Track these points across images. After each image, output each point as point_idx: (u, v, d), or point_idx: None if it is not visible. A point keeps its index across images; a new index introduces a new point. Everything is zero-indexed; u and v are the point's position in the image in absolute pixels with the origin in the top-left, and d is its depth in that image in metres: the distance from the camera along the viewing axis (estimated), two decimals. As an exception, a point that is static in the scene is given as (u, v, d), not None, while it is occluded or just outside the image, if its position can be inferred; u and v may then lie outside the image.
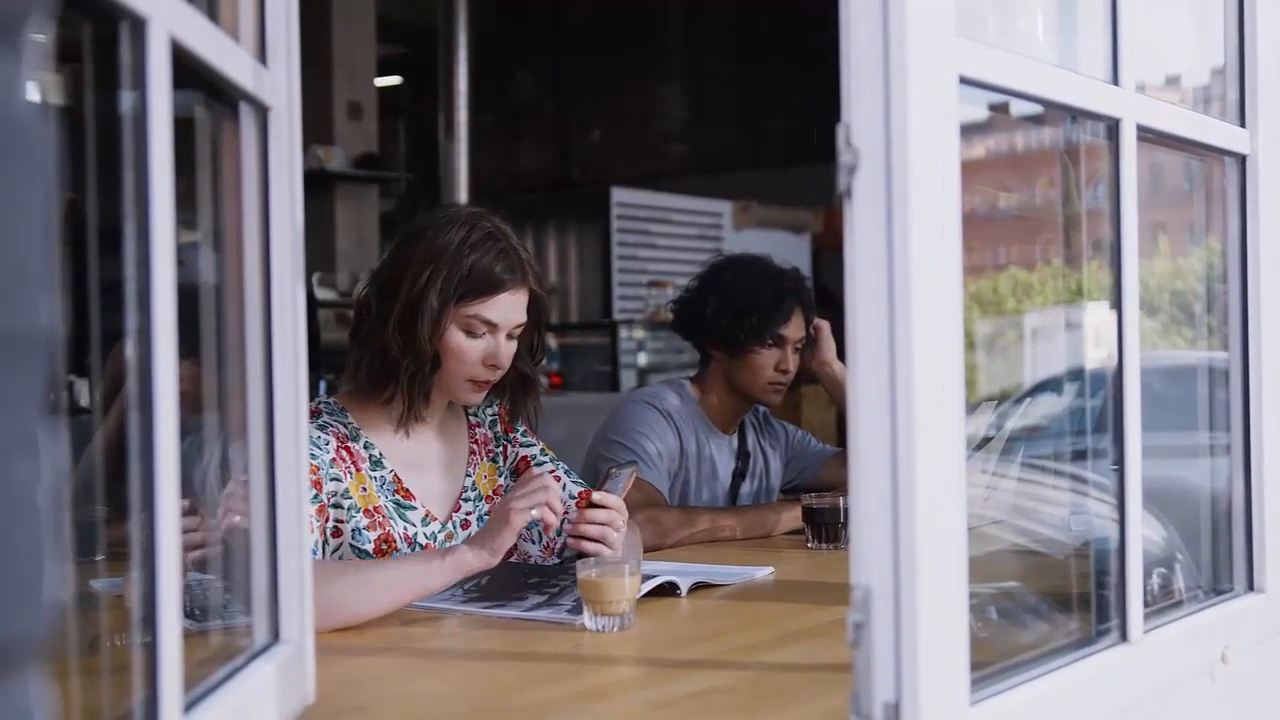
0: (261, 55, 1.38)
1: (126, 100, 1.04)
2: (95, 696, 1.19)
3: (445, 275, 2.20)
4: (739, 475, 3.17)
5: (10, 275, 0.58)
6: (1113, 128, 1.55)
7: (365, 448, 2.26)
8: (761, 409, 3.25)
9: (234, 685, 1.24)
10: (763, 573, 2.38)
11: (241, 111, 1.36)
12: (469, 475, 2.39)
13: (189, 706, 1.10)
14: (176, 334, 1.05)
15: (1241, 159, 1.83)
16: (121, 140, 1.05)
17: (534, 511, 2.00)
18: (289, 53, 1.42)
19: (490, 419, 2.47)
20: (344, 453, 2.21)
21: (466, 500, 2.37)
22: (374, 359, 2.24)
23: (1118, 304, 1.55)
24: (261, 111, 1.37)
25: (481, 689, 1.67)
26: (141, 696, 1.03)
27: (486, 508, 2.38)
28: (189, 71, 1.14)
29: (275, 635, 1.40)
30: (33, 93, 0.61)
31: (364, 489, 2.22)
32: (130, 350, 1.04)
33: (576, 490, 2.43)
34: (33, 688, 0.59)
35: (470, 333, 2.23)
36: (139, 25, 1.02)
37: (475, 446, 2.42)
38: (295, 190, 1.42)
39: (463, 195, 8.99)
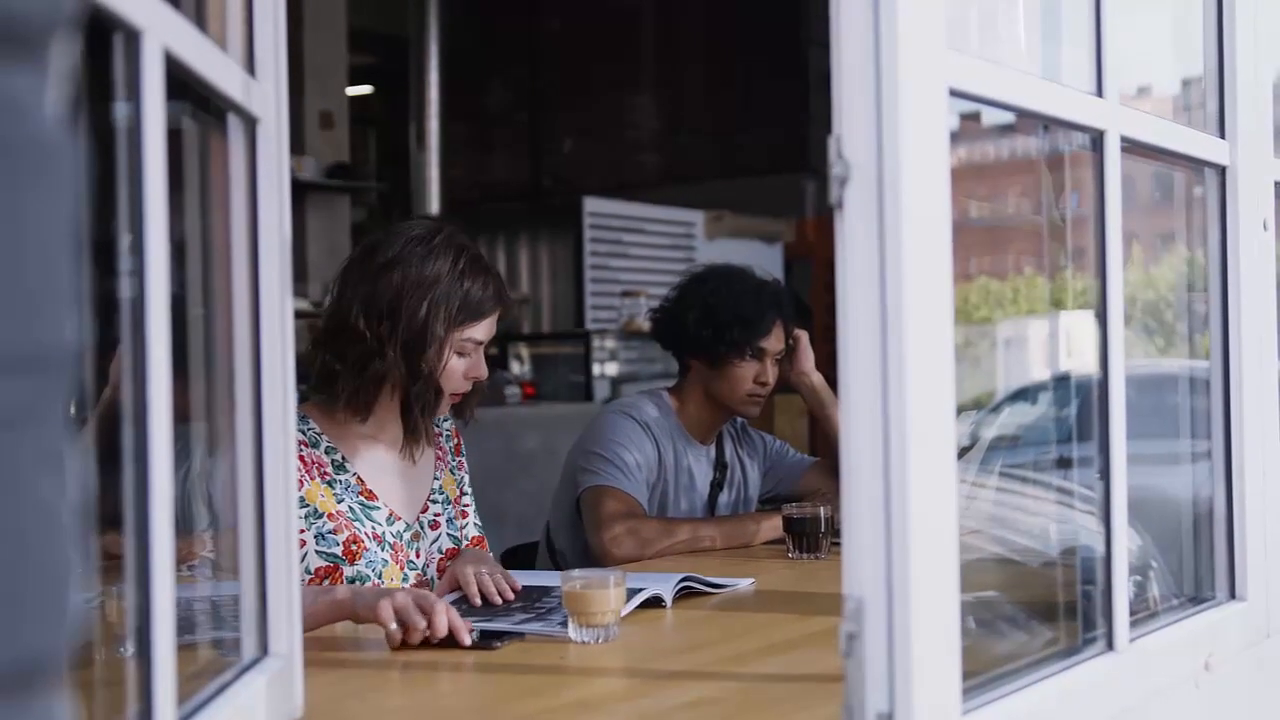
0: (250, 67, 1.37)
1: (120, 111, 1.04)
2: (85, 711, 1.18)
3: (446, 305, 2.27)
4: (717, 486, 3.17)
5: (35, 290, 0.58)
6: (1097, 139, 1.55)
7: (327, 453, 2.31)
8: (739, 419, 3.25)
9: (225, 699, 1.23)
10: (744, 583, 2.39)
11: (230, 123, 1.35)
12: (436, 479, 2.46)
13: (182, 721, 1.10)
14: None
15: (1221, 170, 1.85)
16: (113, 151, 1.04)
17: (393, 626, 1.86)
18: (277, 65, 1.41)
19: (446, 433, 2.54)
20: (297, 461, 2.22)
21: (435, 501, 2.45)
22: (372, 384, 2.29)
23: (1102, 314, 1.56)
24: (250, 123, 1.37)
25: (469, 702, 1.66)
26: (135, 710, 1.03)
27: (453, 511, 2.47)
28: (177, 82, 1.13)
29: (264, 649, 1.39)
30: (59, 107, 0.61)
31: (321, 495, 2.26)
32: (124, 363, 1.03)
33: (474, 533, 2.51)
34: (57, 705, 0.59)
35: (461, 354, 2.32)
36: (133, 37, 1.01)
37: (440, 452, 2.50)
38: (283, 202, 1.41)
39: (434, 205, 8.97)
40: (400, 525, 2.35)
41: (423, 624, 1.85)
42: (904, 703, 1.18)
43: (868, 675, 1.19)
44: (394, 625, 1.85)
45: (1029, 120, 1.64)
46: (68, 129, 0.62)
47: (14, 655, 0.56)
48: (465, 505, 2.54)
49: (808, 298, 7.86)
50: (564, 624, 1.93)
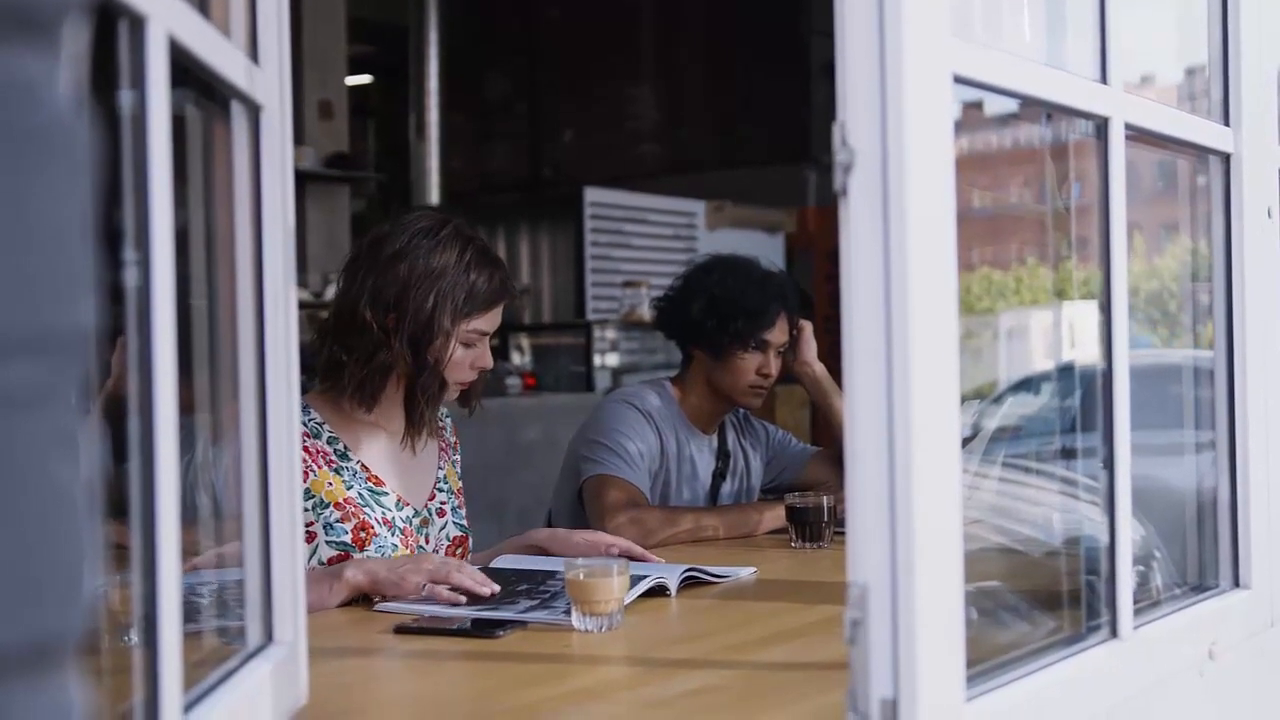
0: (253, 54, 1.37)
1: (124, 98, 1.03)
2: (90, 698, 1.17)
3: (453, 296, 2.28)
4: (719, 475, 3.18)
5: (50, 273, 0.58)
6: (1101, 126, 1.55)
7: (329, 442, 2.33)
8: (742, 409, 3.25)
9: (231, 686, 1.23)
10: (747, 572, 2.39)
11: (233, 110, 1.35)
12: (440, 469, 2.49)
13: (188, 707, 1.10)
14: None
15: (1225, 157, 1.85)
16: (118, 138, 1.04)
17: (426, 589, 2.08)
18: (280, 51, 1.41)
19: (447, 426, 2.57)
20: (303, 451, 2.24)
21: (440, 491, 2.47)
22: (379, 375, 2.31)
23: (1106, 303, 1.56)
24: (254, 110, 1.37)
25: (473, 690, 1.66)
26: (141, 697, 1.03)
27: (457, 501, 2.50)
28: (181, 69, 1.13)
29: (269, 636, 1.39)
30: (71, 89, 0.61)
31: (330, 484, 2.28)
32: (130, 351, 1.03)
33: (455, 533, 2.50)
34: (71, 685, 0.59)
35: (466, 345, 2.34)
36: (138, 23, 1.01)
37: (442, 444, 2.52)
38: (287, 190, 1.41)
39: (434, 196, 8.97)
40: (409, 511, 2.37)
41: (466, 582, 2.06)
42: (908, 689, 1.18)
43: (872, 661, 1.19)
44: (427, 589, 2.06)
45: (1032, 109, 1.64)
46: (81, 113, 0.62)
47: (29, 635, 0.57)
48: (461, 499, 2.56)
49: (809, 288, 7.87)
50: (567, 612, 1.93)
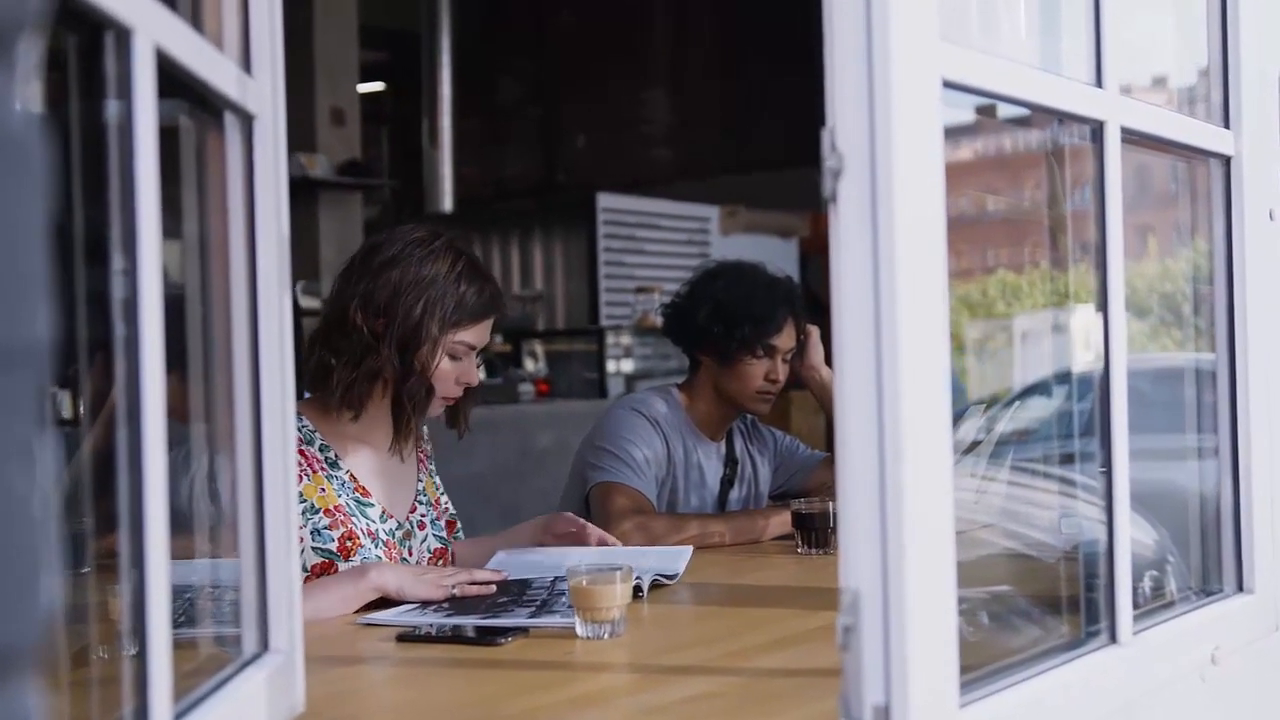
0: (246, 64, 1.37)
1: (111, 109, 1.04)
2: (84, 707, 1.18)
3: (441, 305, 2.31)
4: (727, 482, 3.17)
5: (7, 285, 0.58)
6: (1097, 130, 1.55)
7: (321, 450, 2.35)
8: (750, 415, 3.25)
9: (224, 695, 1.23)
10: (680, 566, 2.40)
11: (226, 120, 1.35)
12: (420, 481, 2.51)
13: (180, 715, 1.10)
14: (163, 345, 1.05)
15: (1226, 160, 1.84)
16: (106, 149, 1.05)
17: (456, 590, 2.18)
18: (274, 61, 1.41)
19: (425, 439, 2.60)
20: (298, 457, 2.25)
21: (421, 503, 2.49)
22: (366, 380, 2.32)
23: (1104, 306, 1.56)
24: (246, 120, 1.37)
25: (472, 698, 1.66)
26: (131, 707, 1.03)
27: (435, 513, 2.52)
28: (173, 80, 1.14)
29: (264, 645, 1.39)
30: (27, 103, 0.62)
31: (322, 490, 2.31)
32: (117, 362, 1.03)
33: (435, 545, 2.50)
34: (28, 696, 0.59)
35: (453, 357, 2.36)
36: (124, 35, 1.02)
37: (422, 457, 2.54)
38: (281, 199, 1.41)
39: (447, 202, 8.97)
40: (392, 523, 2.40)
41: (485, 576, 2.22)
42: (900, 695, 1.18)
43: (864, 667, 1.19)
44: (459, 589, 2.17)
45: (1039, 113, 1.63)
46: (38, 126, 0.62)
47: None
48: (446, 507, 2.58)
49: (823, 293, 7.84)
50: (568, 615, 1.93)
